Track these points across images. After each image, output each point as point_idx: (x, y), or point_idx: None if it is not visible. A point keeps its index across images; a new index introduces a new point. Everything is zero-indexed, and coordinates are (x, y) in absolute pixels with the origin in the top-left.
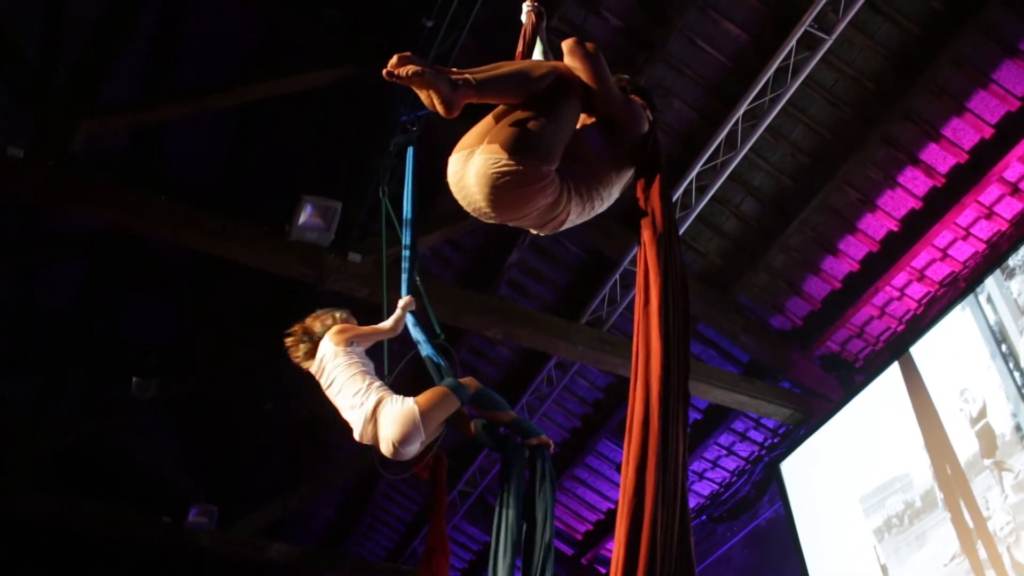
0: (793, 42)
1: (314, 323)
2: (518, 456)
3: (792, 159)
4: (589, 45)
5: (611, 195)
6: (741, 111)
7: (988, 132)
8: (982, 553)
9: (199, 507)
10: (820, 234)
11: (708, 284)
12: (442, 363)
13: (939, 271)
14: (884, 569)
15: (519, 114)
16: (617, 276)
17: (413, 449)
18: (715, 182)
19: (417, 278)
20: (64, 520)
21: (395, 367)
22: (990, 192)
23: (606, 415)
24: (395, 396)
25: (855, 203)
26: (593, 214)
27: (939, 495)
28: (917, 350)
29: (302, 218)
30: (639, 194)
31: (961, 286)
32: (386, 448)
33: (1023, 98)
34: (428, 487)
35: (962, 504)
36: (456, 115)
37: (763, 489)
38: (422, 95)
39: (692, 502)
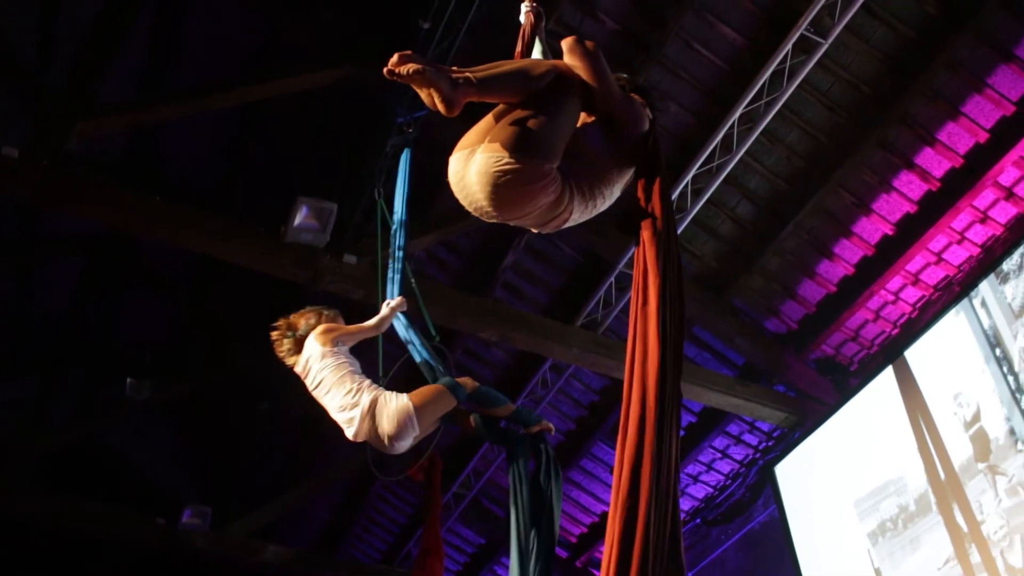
0: (789, 46)
1: (299, 320)
2: (521, 447)
3: (787, 162)
4: (589, 43)
5: (613, 194)
6: (737, 114)
7: (983, 136)
8: (976, 557)
9: (193, 508)
10: (815, 237)
11: (703, 287)
12: (439, 367)
13: (933, 275)
14: (878, 573)
15: (520, 113)
16: (612, 279)
17: (406, 444)
18: (711, 185)
19: (412, 280)
20: (58, 520)
21: (390, 369)
22: (984, 196)
23: (601, 418)
24: (390, 392)
25: (850, 207)
26: (595, 212)
27: (933, 499)
28: (911, 354)
29: (297, 219)
30: (640, 193)
31: (955, 290)
32: (381, 443)
33: (1018, 103)
34: (423, 489)
35: (956, 508)
36: (457, 113)
37: (757, 492)
38: (423, 94)
39: (686, 505)
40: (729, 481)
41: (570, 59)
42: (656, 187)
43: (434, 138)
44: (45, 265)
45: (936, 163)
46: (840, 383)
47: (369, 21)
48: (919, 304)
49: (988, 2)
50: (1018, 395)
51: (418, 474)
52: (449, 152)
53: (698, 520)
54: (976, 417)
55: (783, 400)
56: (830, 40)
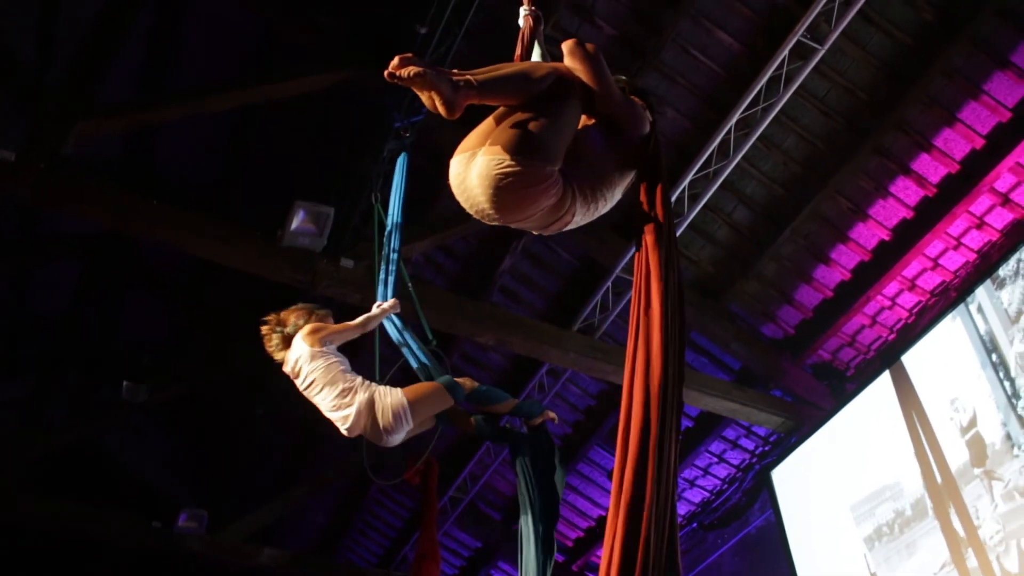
0: (786, 52)
1: (288, 316)
2: (522, 443)
3: (784, 168)
4: (589, 46)
5: (614, 196)
6: (734, 120)
7: (979, 143)
8: (972, 562)
9: (189, 511)
10: (812, 243)
11: (700, 292)
12: (436, 370)
13: (930, 280)
14: None
15: (520, 115)
16: (609, 283)
17: (399, 437)
18: (707, 190)
19: (409, 284)
20: (54, 523)
21: (387, 373)
22: (981, 202)
23: (597, 422)
24: (384, 387)
25: (847, 212)
26: (597, 215)
27: (929, 504)
28: (908, 359)
29: (294, 223)
30: (642, 197)
31: (952, 296)
32: (376, 437)
33: (1014, 109)
34: (419, 493)
35: (952, 513)
36: (458, 116)
37: (754, 497)
38: (423, 96)
39: (683, 509)
40: (726, 485)
41: (570, 61)
42: (658, 191)
43: (432, 142)
44: (43, 266)
45: (932, 169)
46: (837, 388)
47: (366, 26)
48: (916, 309)
49: (984, 9)
50: (1014, 400)
51: (414, 478)
52: (447, 156)
53: (695, 524)
54: (972, 422)
55: (780, 405)
56: (827, 46)
